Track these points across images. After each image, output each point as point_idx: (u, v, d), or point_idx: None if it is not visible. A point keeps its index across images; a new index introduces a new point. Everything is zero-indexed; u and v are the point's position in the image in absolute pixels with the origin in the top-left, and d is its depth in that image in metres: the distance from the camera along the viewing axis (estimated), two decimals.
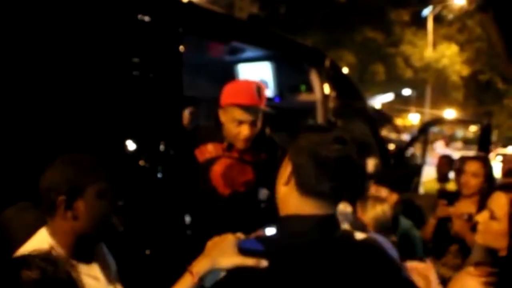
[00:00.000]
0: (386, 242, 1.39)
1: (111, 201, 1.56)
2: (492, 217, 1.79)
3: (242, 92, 2.43)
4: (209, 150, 2.53)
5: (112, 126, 2.18)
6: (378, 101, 22.23)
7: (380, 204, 2.82)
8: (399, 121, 24.89)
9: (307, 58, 3.71)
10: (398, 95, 25.91)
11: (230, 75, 3.90)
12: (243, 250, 1.23)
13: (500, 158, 14.26)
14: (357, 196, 2.72)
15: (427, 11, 22.79)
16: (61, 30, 2.07)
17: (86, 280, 1.51)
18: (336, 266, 1.22)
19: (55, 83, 2.04)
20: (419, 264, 2.19)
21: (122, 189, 1.65)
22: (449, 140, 22.92)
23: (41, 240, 1.50)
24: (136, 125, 2.23)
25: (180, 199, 2.36)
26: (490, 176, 3.23)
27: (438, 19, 23.49)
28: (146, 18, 2.26)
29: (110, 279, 1.62)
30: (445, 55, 22.86)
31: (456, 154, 7.15)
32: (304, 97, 4.11)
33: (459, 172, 3.45)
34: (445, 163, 5.66)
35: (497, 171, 7.43)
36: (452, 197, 3.40)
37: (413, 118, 28.46)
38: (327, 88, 3.70)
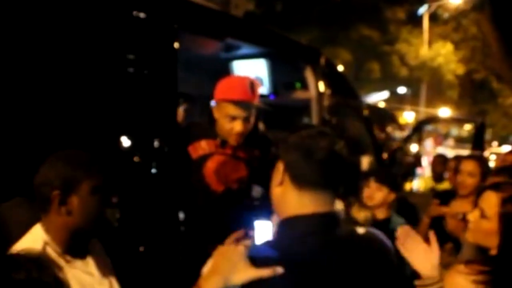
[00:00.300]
0: (382, 235, 1.40)
1: (105, 196, 1.56)
2: (483, 216, 1.81)
3: (235, 88, 2.43)
4: (203, 146, 2.53)
5: (107, 122, 2.18)
6: (373, 99, 22.25)
7: (364, 211, 2.85)
8: None
9: (302, 56, 3.72)
10: (393, 93, 25.92)
11: (225, 71, 3.90)
12: (255, 259, 1.17)
13: (494, 157, 14.30)
14: (351, 191, 2.73)
15: (422, 10, 22.82)
16: (56, 27, 2.07)
17: (81, 275, 1.52)
18: (348, 262, 1.23)
19: (50, 80, 2.04)
20: None
21: (116, 185, 1.66)
22: (443, 138, 22.99)
23: (35, 236, 1.51)
24: (131, 122, 2.23)
25: (174, 196, 2.36)
26: (487, 175, 3.22)
27: (434, 17, 23.53)
28: (141, 15, 2.26)
29: (104, 274, 1.63)
30: (441, 54, 22.91)
31: (448, 152, 7.18)
32: (299, 94, 4.11)
33: (455, 172, 3.43)
34: (439, 162, 5.65)
35: None
36: (447, 196, 3.40)
37: (408, 116, 28.53)
38: (322, 86, 3.71)
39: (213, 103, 2.51)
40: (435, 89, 24.95)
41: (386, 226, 3.06)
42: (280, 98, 4.26)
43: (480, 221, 1.82)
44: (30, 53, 2.01)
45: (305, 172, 1.26)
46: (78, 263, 1.55)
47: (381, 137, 6.64)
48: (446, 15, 23.43)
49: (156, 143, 2.27)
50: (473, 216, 1.86)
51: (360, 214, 2.78)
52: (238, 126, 2.42)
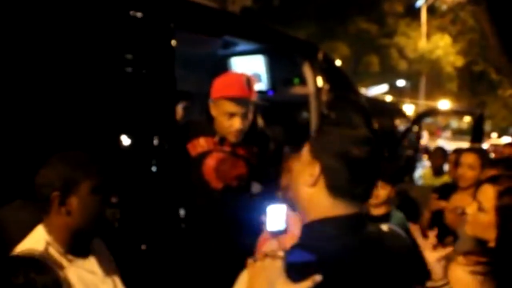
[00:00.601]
0: (400, 230, 1.41)
1: (105, 196, 1.57)
2: (480, 209, 1.82)
3: (231, 85, 2.44)
4: (201, 144, 2.53)
5: (106, 121, 2.19)
6: (373, 93, 22.25)
7: None
8: None
9: (300, 51, 3.71)
10: (393, 86, 25.93)
11: (223, 68, 3.90)
12: (293, 266, 1.13)
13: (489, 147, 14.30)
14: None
15: (420, 2, 22.78)
16: (54, 27, 2.08)
17: (84, 274, 1.54)
18: (381, 258, 1.23)
19: (49, 80, 2.05)
20: None
21: (116, 185, 1.67)
22: (442, 131, 22.98)
23: (38, 237, 1.53)
24: (130, 121, 2.24)
25: (174, 193, 2.37)
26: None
27: (432, 10, 23.50)
28: (138, 14, 2.27)
29: (108, 273, 1.64)
30: (439, 46, 22.89)
31: (446, 144, 7.17)
32: (297, 90, 4.11)
33: (455, 165, 3.42)
34: (439, 156, 5.59)
35: None
36: (448, 190, 3.38)
37: (408, 109, 28.55)
38: (320, 81, 3.71)
39: (210, 101, 2.52)
40: (434, 81, 24.94)
41: (386, 221, 3.07)
42: (278, 94, 4.27)
43: (478, 214, 1.83)
44: (29, 54, 2.01)
45: (345, 184, 1.22)
46: (81, 262, 1.57)
47: (390, 131, 6.59)
48: (444, 7, 23.40)
49: (155, 141, 2.28)
50: (471, 209, 1.88)
51: None
52: (236, 122, 2.43)
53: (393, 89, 26.03)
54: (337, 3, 19.44)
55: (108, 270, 1.66)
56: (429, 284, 1.67)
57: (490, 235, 1.78)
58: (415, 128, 6.45)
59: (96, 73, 2.18)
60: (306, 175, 1.25)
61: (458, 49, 22.67)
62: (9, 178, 1.90)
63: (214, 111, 2.49)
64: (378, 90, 24.20)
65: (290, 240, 1.32)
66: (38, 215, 1.60)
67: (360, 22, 20.59)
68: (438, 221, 3.21)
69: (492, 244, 1.77)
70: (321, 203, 1.24)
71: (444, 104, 23.01)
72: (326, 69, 3.83)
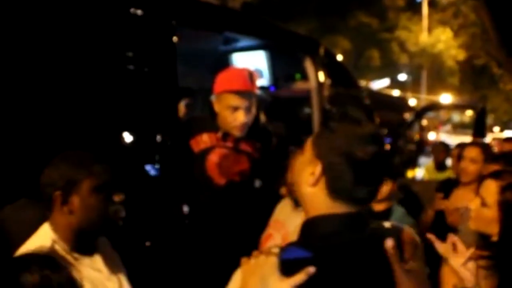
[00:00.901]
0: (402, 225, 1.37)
1: (107, 195, 1.58)
2: (483, 204, 1.83)
3: (234, 78, 2.45)
4: (204, 140, 2.54)
5: (110, 119, 2.20)
6: (374, 87, 22.22)
7: None
8: None
9: (301, 47, 3.72)
10: (394, 80, 25.90)
11: (225, 64, 3.91)
12: (286, 263, 1.11)
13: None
14: None
15: None
16: (56, 25, 2.08)
17: (89, 272, 1.55)
18: (380, 258, 1.17)
19: (52, 78, 2.06)
20: None
21: (120, 182, 1.68)
22: (443, 125, 22.96)
23: (44, 235, 1.54)
24: (133, 118, 2.25)
25: (177, 189, 2.38)
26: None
27: (433, 4, 23.43)
28: (140, 12, 2.27)
29: (113, 270, 1.65)
30: (441, 40, 22.84)
31: (446, 138, 7.15)
32: (299, 85, 4.12)
33: (458, 159, 3.41)
34: (441, 150, 5.55)
35: None
36: (450, 185, 3.36)
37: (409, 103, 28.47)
38: (321, 76, 3.72)
39: (213, 97, 2.53)
40: (435, 75, 24.90)
41: (386, 216, 3.07)
42: (280, 90, 4.28)
43: (481, 209, 1.84)
44: (32, 53, 2.02)
45: (347, 186, 1.16)
46: (86, 260, 1.58)
47: (399, 125, 6.56)
48: (445, 1, 23.32)
49: (158, 138, 2.29)
50: (474, 204, 1.89)
51: None
52: (240, 116, 2.43)
53: (395, 83, 26.00)
54: None
55: (113, 267, 1.67)
56: (458, 285, 1.64)
57: (493, 230, 1.79)
58: (417, 122, 6.45)
59: (99, 71, 2.19)
60: (307, 174, 1.21)
61: (460, 43, 22.61)
62: (14, 177, 1.91)
63: (217, 106, 2.50)
64: (379, 84, 24.17)
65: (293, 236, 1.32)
66: (43, 214, 1.61)
67: (361, 16, 20.55)
68: (440, 219, 3.21)
69: (495, 238, 1.78)
70: (321, 203, 1.19)
71: (446, 98, 22.98)
72: (327, 64, 3.83)
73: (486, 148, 3.29)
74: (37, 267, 1.09)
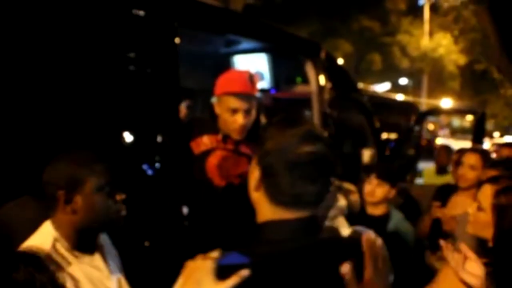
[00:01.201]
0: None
1: (109, 195, 1.60)
2: (479, 208, 1.85)
3: (234, 81, 2.46)
4: (205, 142, 2.55)
5: (111, 119, 2.21)
6: (377, 90, 22.25)
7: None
8: None
9: (302, 50, 3.74)
10: (395, 84, 25.92)
11: (226, 67, 3.93)
12: (223, 268, 1.10)
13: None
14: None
15: (423, 0, 22.74)
16: (58, 26, 2.10)
17: (89, 270, 1.57)
18: (322, 268, 1.14)
19: (54, 79, 2.07)
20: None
21: (121, 182, 1.69)
22: (441, 129, 22.95)
23: (45, 233, 1.56)
24: (134, 119, 2.27)
25: (177, 191, 2.39)
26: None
27: (434, 8, 23.46)
28: (143, 13, 2.29)
29: (112, 269, 1.67)
30: (442, 45, 22.86)
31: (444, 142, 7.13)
32: (300, 88, 4.14)
33: (456, 164, 3.41)
34: (444, 154, 5.49)
35: None
36: (449, 191, 3.37)
37: None
38: (322, 80, 3.73)
39: (213, 99, 2.54)
40: (436, 80, 24.91)
41: (385, 222, 3.07)
42: (281, 92, 4.30)
43: (478, 213, 1.86)
44: (34, 54, 2.03)
45: (283, 183, 1.14)
46: (87, 258, 1.60)
47: (407, 129, 6.56)
48: (446, 5, 23.36)
49: (159, 139, 2.30)
50: (472, 209, 1.91)
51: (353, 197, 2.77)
52: (240, 118, 2.44)
53: (396, 87, 26.02)
54: (340, 1, 19.43)
55: (113, 266, 1.68)
56: None
57: (489, 234, 1.80)
58: (417, 127, 6.45)
59: (101, 72, 2.20)
60: (252, 179, 1.20)
61: (461, 48, 22.63)
62: (17, 175, 1.92)
63: (217, 109, 2.51)
64: (380, 88, 24.18)
65: None
66: (44, 212, 1.63)
67: (363, 20, 20.57)
68: (437, 224, 3.21)
69: (491, 243, 1.80)
70: (266, 208, 1.18)
71: (447, 102, 22.99)
72: (328, 68, 3.85)
73: (485, 154, 3.29)
74: (22, 266, 1.11)
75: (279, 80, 4.31)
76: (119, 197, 1.63)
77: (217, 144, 2.54)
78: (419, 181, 6.10)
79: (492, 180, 1.88)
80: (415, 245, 3.15)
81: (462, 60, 22.81)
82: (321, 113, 3.71)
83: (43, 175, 1.55)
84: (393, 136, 6.70)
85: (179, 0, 2.58)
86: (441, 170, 5.48)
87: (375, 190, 3.05)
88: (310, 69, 3.70)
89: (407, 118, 8.08)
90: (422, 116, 6.71)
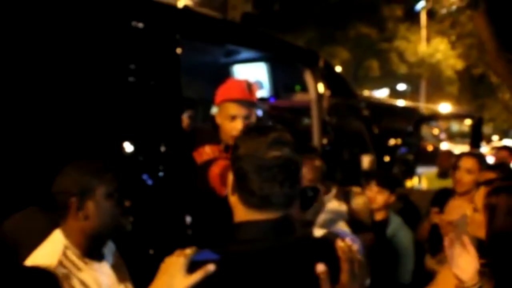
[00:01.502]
0: (348, 235, 1.33)
1: (119, 201, 1.65)
2: (475, 209, 1.92)
3: (232, 88, 2.53)
4: (207, 151, 2.59)
5: (115, 130, 2.26)
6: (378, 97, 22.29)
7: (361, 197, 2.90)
8: None
9: (301, 59, 3.79)
10: (393, 90, 25.95)
11: (226, 76, 3.98)
12: (195, 264, 1.18)
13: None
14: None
15: (420, 6, 22.83)
16: (65, 40, 2.15)
17: (99, 277, 1.61)
18: (290, 268, 1.19)
19: (61, 89, 2.12)
20: None
21: (128, 191, 1.74)
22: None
23: (56, 241, 1.61)
24: (138, 129, 2.31)
25: (180, 200, 2.43)
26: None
27: (431, 14, 23.53)
28: (146, 26, 2.35)
29: (120, 277, 1.71)
30: (439, 50, 22.91)
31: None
32: (299, 97, 4.19)
33: (454, 168, 3.46)
34: (446, 158, 5.51)
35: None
36: (448, 195, 3.40)
37: None
38: (321, 88, 3.78)
39: (214, 109, 2.59)
40: (434, 85, 24.94)
41: (384, 227, 3.12)
42: (280, 101, 4.35)
43: (474, 214, 1.92)
44: (38, 67, 2.07)
45: (253, 185, 1.21)
46: (96, 265, 1.65)
47: (413, 135, 6.57)
48: (444, 10, 23.43)
49: (162, 149, 2.35)
50: (469, 210, 1.97)
51: (359, 200, 2.80)
52: (239, 124, 2.48)
53: (394, 93, 26.05)
54: (337, 8, 19.50)
55: (120, 274, 1.73)
56: (457, 285, 1.67)
57: (482, 234, 1.87)
58: (415, 133, 6.49)
59: (105, 82, 2.25)
60: (228, 183, 1.29)
61: (458, 53, 22.68)
62: (24, 185, 1.96)
63: (218, 118, 2.56)
64: (379, 94, 24.22)
65: None
66: (50, 222, 1.67)
67: (360, 27, 20.61)
68: (436, 232, 3.24)
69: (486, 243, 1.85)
70: (240, 210, 1.26)
71: (445, 107, 23.00)
72: (327, 76, 3.90)
73: (481, 158, 3.33)
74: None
75: (278, 89, 4.36)
76: (127, 203, 1.69)
77: (219, 154, 2.58)
78: (417, 186, 6.13)
79: (487, 182, 1.94)
80: (415, 249, 3.20)
81: (459, 65, 22.82)
82: (321, 121, 3.76)
83: (53, 185, 1.60)
84: (397, 141, 6.72)
85: (181, 13, 2.65)
86: (442, 174, 5.50)
87: (376, 197, 3.11)
88: (309, 78, 3.75)
89: (409, 123, 8.11)
90: (420, 122, 6.74)
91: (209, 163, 2.56)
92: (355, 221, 2.65)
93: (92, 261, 1.64)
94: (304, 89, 3.94)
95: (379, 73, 22.65)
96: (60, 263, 1.53)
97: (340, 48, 20.38)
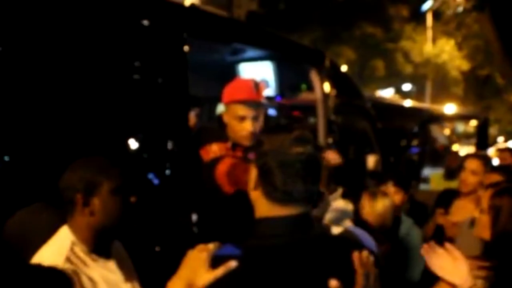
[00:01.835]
0: (364, 234, 1.38)
1: (124, 197, 1.66)
2: (481, 210, 1.92)
3: (240, 89, 2.52)
4: (214, 150, 2.59)
5: (123, 128, 2.27)
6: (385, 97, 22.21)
7: (382, 199, 2.88)
8: None
9: (307, 58, 3.79)
10: (398, 90, 25.89)
11: (232, 75, 3.99)
12: (217, 258, 1.21)
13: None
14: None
15: (426, 7, 22.76)
16: (73, 38, 2.16)
17: (106, 273, 1.62)
18: (310, 263, 1.22)
19: (67, 88, 2.13)
20: None
21: (134, 187, 1.75)
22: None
23: (63, 237, 1.62)
24: (145, 127, 2.33)
25: (187, 198, 2.44)
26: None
27: (437, 15, 23.47)
28: (154, 24, 2.35)
29: (127, 274, 1.72)
30: (445, 50, 22.84)
31: None
32: (304, 96, 4.20)
33: (458, 169, 3.47)
34: (453, 159, 5.53)
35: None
36: (451, 196, 3.41)
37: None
38: (327, 87, 3.78)
39: (221, 108, 2.59)
40: (440, 85, 24.86)
41: (396, 227, 3.12)
42: (286, 100, 4.36)
43: (481, 216, 1.93)
44: (45, 66, 2.08)
45: (276, 180, 1.26)
46: (103, 262, 1.65)
47: (419, 135, 6.56)
48: (450, 11, 23.36)
49: (169, 147, 2.36)
50: (476, 212, 1.98)
51: (385, 202, 2.74)
52: (247, 125, 2.48)
53: (399, 93, 25.98)
54: (342, 8, 19.48)
55: (127, 272, 1.74)
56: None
57: (487, 235, 1.88)
58: (421, 133, 6.48)
59: (113, 81, 2.26)
60: (251, 179, 1.34)
61: (464, 54, 22.62)
62: (31, 182, 1.97)
63: (226, 117, 2.56)
64: (384, 94, 24.16)
65: None
66: (57, 218, 1.68)
67: (366, 26, 20.58)
68: (440, 232, 3.25)
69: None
70: (262, 205, 1.30)
71: (450, 108, 22.94)
72: (332, 75, 3.90)
73: (486, 160, 3.34)
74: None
75: (284, 88, 4.36)
76: (133, 199, 1.70)
77: (226, 152, 2.58)
78: (424, 186, 6.12)
79: (494, 185, 1.94)
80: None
81: (465, 65, 22.76)
82: (326, 120, 3.76)
83: (60, 181, 1.61)
84: (402, 142, 6.72)
85: (188, 11, 2.65)
86: (449, 175, 5.50)
87: (393, 197, 3.10)
88: (314, 77, 3.75)
89: (416, 124, 8.08)
90: (425, 122, 6.72)
91: (216, 161, 2.56)
92: (362, 223, 2.63)
93: (99, 257, 1.64)
94: (310, 88, 3.94)
95: (384, 73, 22.60)
96: (68, 259, 1.53)
97: (346, 47, 20.35)
